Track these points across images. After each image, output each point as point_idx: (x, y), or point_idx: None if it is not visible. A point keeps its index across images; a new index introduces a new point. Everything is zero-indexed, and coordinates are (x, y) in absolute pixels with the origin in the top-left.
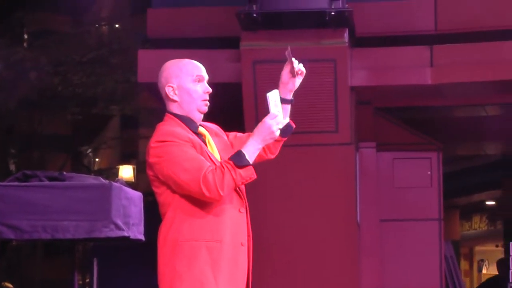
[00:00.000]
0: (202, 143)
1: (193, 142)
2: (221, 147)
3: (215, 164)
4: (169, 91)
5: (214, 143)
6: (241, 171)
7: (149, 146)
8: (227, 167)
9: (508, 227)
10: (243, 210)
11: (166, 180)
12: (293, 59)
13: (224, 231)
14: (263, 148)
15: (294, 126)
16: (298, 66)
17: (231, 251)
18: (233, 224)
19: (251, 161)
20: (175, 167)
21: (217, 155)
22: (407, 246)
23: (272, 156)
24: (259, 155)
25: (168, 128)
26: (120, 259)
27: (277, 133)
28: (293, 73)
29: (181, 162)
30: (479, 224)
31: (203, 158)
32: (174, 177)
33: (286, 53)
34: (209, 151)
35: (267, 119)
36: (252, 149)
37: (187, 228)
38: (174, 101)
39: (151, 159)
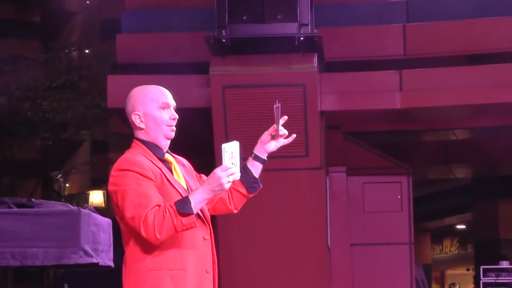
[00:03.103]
0: (167, 170)
1: (153, 172)
2: (188, 176)
3: (180, 194)
4: (135, 118)
5: (180, 171)
6: (182, 218)
7: (110, 174)
8: (169, 211)
9: (479, 251)
10: (208, 237)
11: (119, 211)
12: (280, 119)
13: (188, 259)
14: (228, 199)
15: (261, 186)
16: (283, 130)
17: (195, 279)
18: (197, 252)
19: (195, 210)
20: (126, 200)
21: (183, 182)
22: (378, 270)
23: (235, 211)
24: (224, 205)
25: (131, 156)
26: (90, 284)
27: (227, 185)
28: (276, 135)
29: (132, 196)
30: (450, 248)
31: (153, 195)
32: (122, 210)
33: (275, 108)
34: (173, 178)
35: (217, 171)
36: (199, 198)
37: (150, 258)
38: (141, 128)
39: (110, 187)
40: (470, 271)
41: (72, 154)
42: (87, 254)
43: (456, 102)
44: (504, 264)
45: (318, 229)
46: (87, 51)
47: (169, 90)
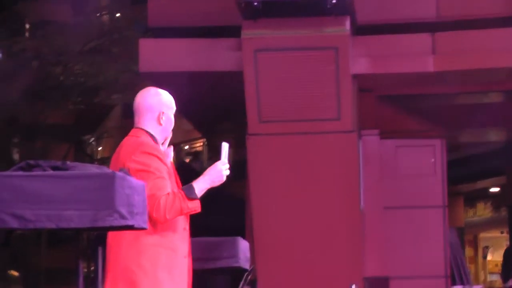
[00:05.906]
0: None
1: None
2: None
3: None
4: (161, 115)
5: None
6: (189, 202)
7: (135, 154)
8: (178, 196)
9: None
10: (187, 228)
11: None
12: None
13: (176, 242)
14: None
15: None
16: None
17: (181, 260)
18: (181, 238)
19: (199, 196)
20: (149, 181)
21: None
22: (411, 233)
23: None
24: None
25: (153, 142)
26: None
27: (225, 178)
28: None
29: (154, 178)
30: (483, 211)
31: (168, 181)
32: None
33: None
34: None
35: (219, 164)
36: (201, 187)
37: (151, 235)
38: (160, 125)
39: (135, 166)
40: (504, 234)
41: (104, 118)
42: (122, 216)
43: (490, 65)
44: None
45: (351, 192)
46: (118, 14)
47: (200, 53)
